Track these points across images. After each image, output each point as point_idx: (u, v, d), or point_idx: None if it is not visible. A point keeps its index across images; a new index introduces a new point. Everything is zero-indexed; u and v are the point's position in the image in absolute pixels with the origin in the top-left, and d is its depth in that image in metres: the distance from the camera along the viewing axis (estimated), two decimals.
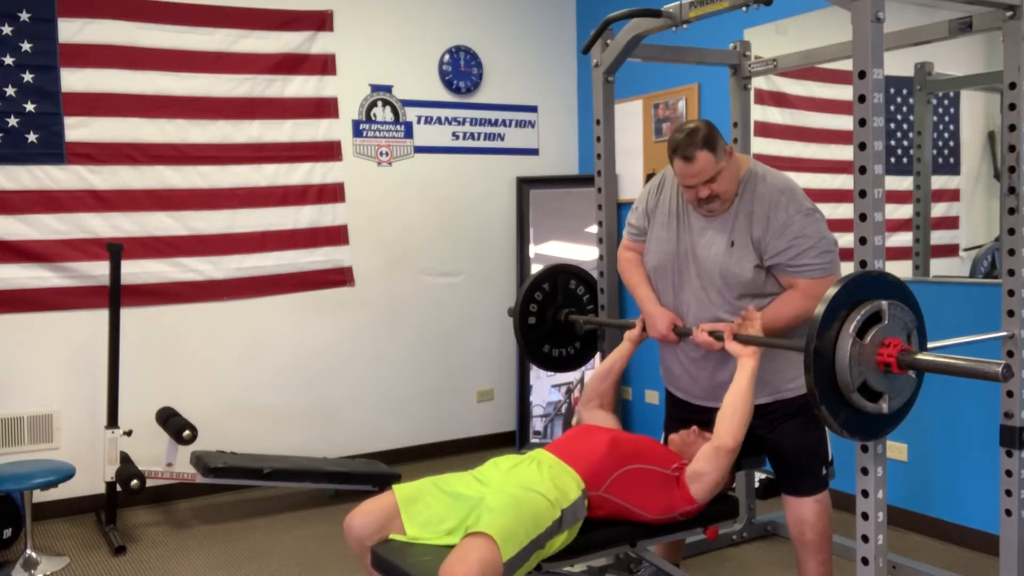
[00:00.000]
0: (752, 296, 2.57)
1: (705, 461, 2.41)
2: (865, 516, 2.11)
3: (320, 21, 4.58)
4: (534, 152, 5.29)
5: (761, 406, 2.57)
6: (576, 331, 3.15)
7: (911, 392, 2.03)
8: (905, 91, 3.61)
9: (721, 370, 2.63)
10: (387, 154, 4.83)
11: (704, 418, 2.62)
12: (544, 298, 3.10)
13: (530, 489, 2.27)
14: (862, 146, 2.08)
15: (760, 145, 3.89)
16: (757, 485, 3.72)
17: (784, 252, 2.50)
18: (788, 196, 2.54)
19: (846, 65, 2.30)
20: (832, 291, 1.94)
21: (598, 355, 3.19)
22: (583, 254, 4.96)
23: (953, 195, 3.62)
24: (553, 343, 3.14)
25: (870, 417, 1.98)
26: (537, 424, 5.06)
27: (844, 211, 2.46)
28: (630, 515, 2.41)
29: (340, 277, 4.71)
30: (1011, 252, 2.59)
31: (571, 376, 4.99)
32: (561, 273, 3.15)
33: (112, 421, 3.82)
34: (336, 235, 4.68)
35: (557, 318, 3.12)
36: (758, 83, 3.83)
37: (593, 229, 3.36)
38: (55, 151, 4.01)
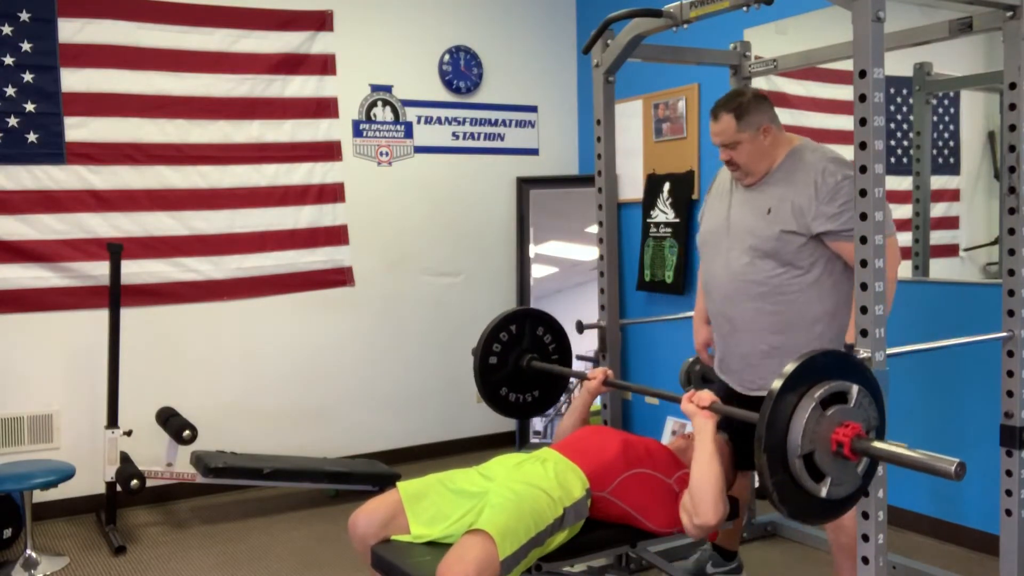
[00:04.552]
0: (781, 263, 2.54)
1: (691, 527, 2.30)
2: (865, 515, 2.12)
3: (320, 21, 4.58)
4: (534, 152, 5.29)
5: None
6: (535, 378, 3.06)
7: (852, 489, 1.91)
8: (905, 91, 3.61)
9: (734, 337, 2.68)
10: (387, 154, 4.83)
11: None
12: (509, 340, 3.01)
13: (533, 486, 2.27)
14: (863, 145, 2.08)
15: None
16: (757, 485, 3.72)
17: (835, 217, 2.46)
18: (838, 164, 2.54)
19: (846, 65, 2.31)
20: (814, 356, 1.88)
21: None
22: (583, 254, 4.96)
23: (953, 195, 3.62)
24: (511, 387, 3.03)
25: (804, 494, 1.86)
26: (537, 424, 5.06)
27: None
28: (633, 521, 2.40)
29: (340, 277, 4.71)
30: (1011, 252, 2.60)
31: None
32: (529, 317, 3.06)
33: (112, 421, 3.82)
34: (336, 235, 4.68)
35: (519, 363, 3.02)
36: (758, 83, 3.82)
37: (593, 229, 3.36)
38: (55, 151, 4.01)
